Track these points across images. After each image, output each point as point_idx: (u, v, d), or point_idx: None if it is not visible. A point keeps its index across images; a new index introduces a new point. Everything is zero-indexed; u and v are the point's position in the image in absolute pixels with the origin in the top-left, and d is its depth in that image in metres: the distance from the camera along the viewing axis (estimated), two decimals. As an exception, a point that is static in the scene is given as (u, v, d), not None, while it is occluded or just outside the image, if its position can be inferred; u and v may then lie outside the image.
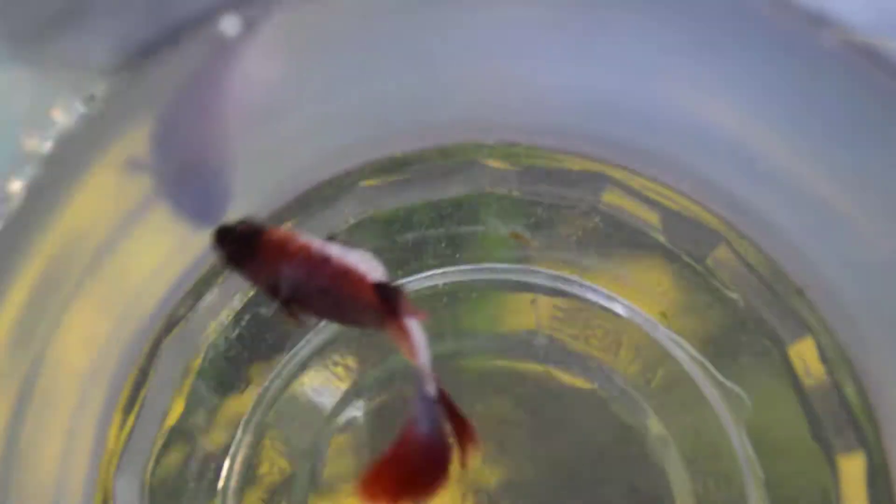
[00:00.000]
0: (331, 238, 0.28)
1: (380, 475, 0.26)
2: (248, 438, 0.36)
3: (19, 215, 0.26)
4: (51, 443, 0.32)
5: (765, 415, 0.35)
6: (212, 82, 0.26)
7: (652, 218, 0.36)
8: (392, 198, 0.37)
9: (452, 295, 0.37)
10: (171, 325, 0.34)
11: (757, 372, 0.35)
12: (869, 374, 0.33)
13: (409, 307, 0.27)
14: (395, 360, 0.37)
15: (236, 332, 0.36)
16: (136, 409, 0.35)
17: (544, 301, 0.37)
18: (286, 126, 0.34)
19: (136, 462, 0.34)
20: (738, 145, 0.33)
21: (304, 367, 0.36)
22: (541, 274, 0.37)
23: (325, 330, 0.37)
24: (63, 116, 0.25)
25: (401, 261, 0.37)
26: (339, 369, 0.37)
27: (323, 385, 0.37)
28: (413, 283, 0.37)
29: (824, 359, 0.34)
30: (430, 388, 0.27)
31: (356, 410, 0.36)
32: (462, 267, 0.37)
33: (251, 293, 0.36)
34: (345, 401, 0.36)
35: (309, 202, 0.35)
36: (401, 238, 0.37)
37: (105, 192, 0.29)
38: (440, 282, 0.37)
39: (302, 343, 0.37)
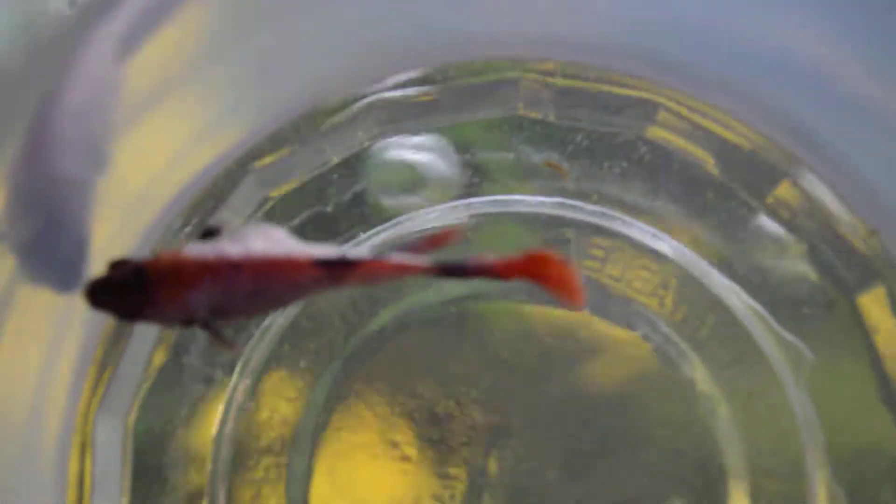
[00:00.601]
0: (210, 232, 0.24)
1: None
2: (245, 382, 0.32)
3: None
4: (24, 379, 0.29)
5: (828, 372, 0.32)
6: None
7: (706, 150, 0.33)
8: (413, 119, 0.33)
9: (478, 229, 0.33)
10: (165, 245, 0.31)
11: (820, 324, 0.32)
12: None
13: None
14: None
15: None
16: (120, 345, 0.31)
17: (582, 239, 0.33)
18: (298, 32, 0.30)
19: (119, 403, 0.31)
20: (812, 68, 0.30)
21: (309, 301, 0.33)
22: (578, 209, 0.33)
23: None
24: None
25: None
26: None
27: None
28: (435, 214, 0.33)
29: (898, 310, 0.30)
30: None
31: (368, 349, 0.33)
32: (490, 198, 0.33)
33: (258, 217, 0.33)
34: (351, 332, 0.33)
35: (319, 119, 0.32)
36: (422, 164, 0.33)
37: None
38: (464, 214, 0.33)
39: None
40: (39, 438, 0.30)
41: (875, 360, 0.31)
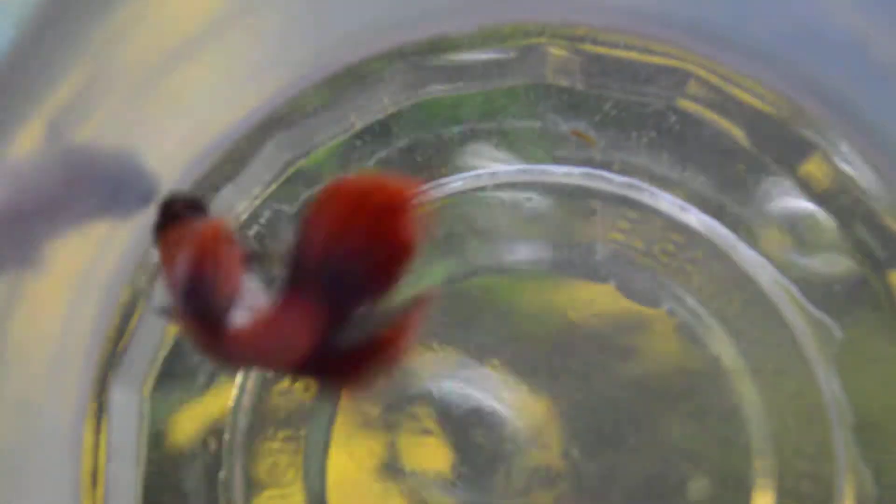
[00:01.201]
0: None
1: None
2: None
3: None
4: (40, 348, 0.28)
5: (858, 351, 0.31)
6: None
7: (737, 120, 0.32)
8: (438, 85, 0.32)
9: (502, 200, 0.32)
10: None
11: (851, 301, 0.31)
12: None
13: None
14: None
15: (254, 230, 0.31)
16: (136, 314, 0.30)
17: (608, 210, 0.32)
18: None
19: (136, 372, 0.30)
20: (846, 35, 0.29)
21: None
22: (605, 179, 0.32)
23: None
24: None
25: (445, 158, 0.32)
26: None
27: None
28: (457, 183, 0.32)
29: (934, 289, 0.30)
30: None
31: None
32: (515, 167, 0.32)
33: (272, 188, 0.32)
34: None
35: (343, 83, 0.31)
36: (446, 131, 0.32)
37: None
38: (489, 182, 0.32)
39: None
40: (55, 408, 0.29)
41: (906, 339, 0.31)
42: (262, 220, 0.32)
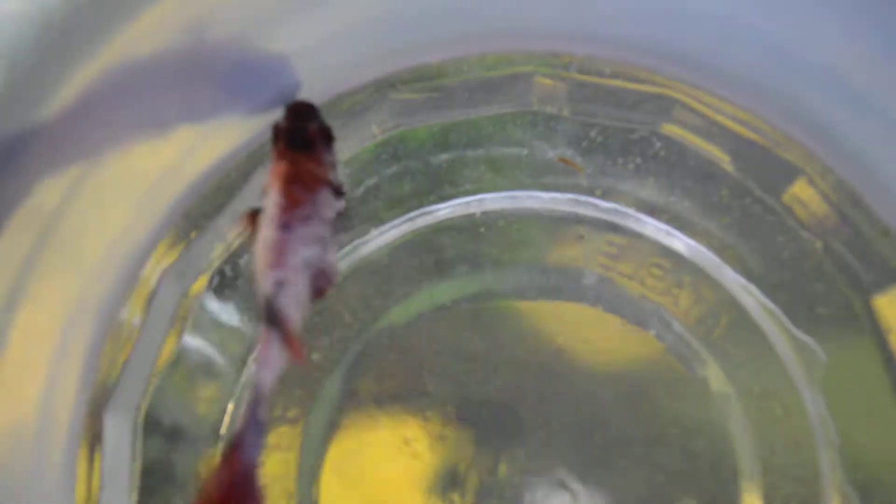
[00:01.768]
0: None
1: None
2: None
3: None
4: (34, 374, 0.29)
5: (842, 373, 0.31)
6: None
7: (721, 146, 0.32)
8: (426, 113, 0.32)
9: (490, 225, 0.33)
10: (171, 247, 0.30)
11: (835, 324, 0.31)
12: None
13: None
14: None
15: (244, 259, 0.32)
16: (130, 341, 0.31)
17: (595, 235, 0.33)
18: (310, 25, 0.29)
19: (129, 399, 0.30)
20: (829, 64, 0.29)
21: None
22: (591, 205, 0.33)
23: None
24: None
25: (434, 185, 0.33)
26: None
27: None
28: (447, 210, 0.33)
29: (916, 312, 0.30)
30: (263, 413, 0.22)
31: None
32: (503, 194, 0.33)
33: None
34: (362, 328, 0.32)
35: (331, 112, 0.31)
36: (435, 159, 0.33)
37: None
38: (477, 210, 0.33)
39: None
40: (48, 436, 0.29)
41: (889, 361, 0.31)
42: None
